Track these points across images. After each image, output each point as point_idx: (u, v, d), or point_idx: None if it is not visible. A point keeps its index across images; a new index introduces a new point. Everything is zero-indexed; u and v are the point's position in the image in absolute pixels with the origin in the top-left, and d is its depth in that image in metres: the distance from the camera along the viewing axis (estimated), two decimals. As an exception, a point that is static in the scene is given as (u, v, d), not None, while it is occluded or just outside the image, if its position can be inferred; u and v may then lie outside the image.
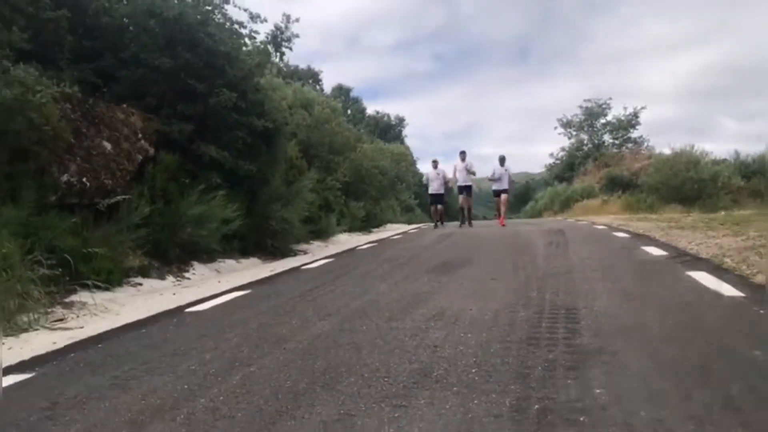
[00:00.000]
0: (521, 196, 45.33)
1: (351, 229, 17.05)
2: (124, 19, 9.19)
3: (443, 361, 3.28)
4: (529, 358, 3.28)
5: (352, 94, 41.67)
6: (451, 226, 17.76)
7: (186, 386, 3.10)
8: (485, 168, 19.06)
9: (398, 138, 42.57)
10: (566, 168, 35.96)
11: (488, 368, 3.12)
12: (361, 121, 37.72)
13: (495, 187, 17.38)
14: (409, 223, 25.28)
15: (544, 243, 9.89)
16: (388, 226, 21.81)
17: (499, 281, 6.00)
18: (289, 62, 27.91)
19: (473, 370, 3.10)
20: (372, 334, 4.00)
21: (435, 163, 17.75)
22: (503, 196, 17.31)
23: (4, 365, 3.81)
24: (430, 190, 17.62)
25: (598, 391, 2.73)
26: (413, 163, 34.84)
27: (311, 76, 34.94)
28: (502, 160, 17.25)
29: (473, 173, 17.10)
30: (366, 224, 18.71)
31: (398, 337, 3.88)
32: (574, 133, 36.66)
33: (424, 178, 18.48)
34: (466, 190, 17.18)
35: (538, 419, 2.45)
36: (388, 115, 45.65)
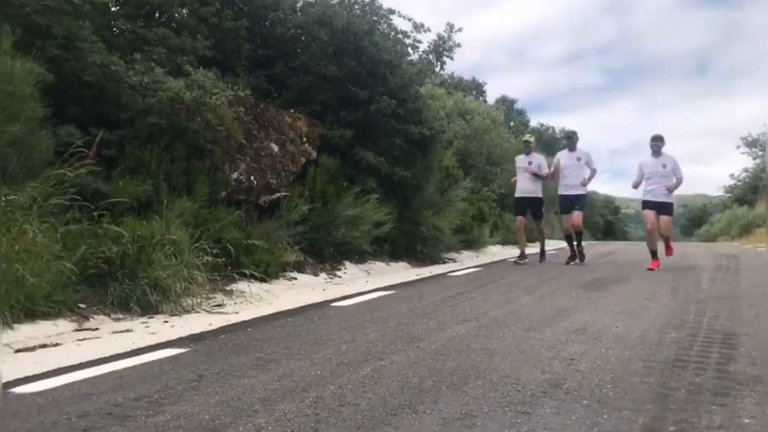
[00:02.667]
0: (695, 219, 42.22)
1: (504, 242, 16.73)
2: (297, 29, 9.73)
3: (577, 374, 3.15)
4: (673, 379, 3.06)
5: (517, 106, 41.07)
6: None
7: (319, 372, 3.22)
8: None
9: (563, 152, 41.22)
10: (749, 190, 32.98)
11: (625, 385, 2.95)
12: (523, 133, 37.10)
13: (646, 196, 9.20)
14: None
15: (713, 266, 9.18)
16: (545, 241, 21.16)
17: (654, 301, 5.64)
18: (454, 73, 28.10)
19: (608, 386, 2.95)
20: (507, 342, 3.92)
21: (527, 146, 10.56)
22: (661, 221, 9.05)
23: (165, 340, 4.21)
24: (516, 192, 10.58)
25: (746, 420, 2.49)
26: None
27: (475, 88, 34.92)
28: (656, 143, 9.11)
29: (591, 175, 10.09)
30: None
31: (534, 347, 3.77)
32: (760, 152, 33.53)
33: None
34: (576, 201, 9.94)
35: (671, 442, 2.28)
36: (553, 128, 44.39)
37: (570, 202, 9.96)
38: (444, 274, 8.51)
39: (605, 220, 42.71)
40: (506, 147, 17.48)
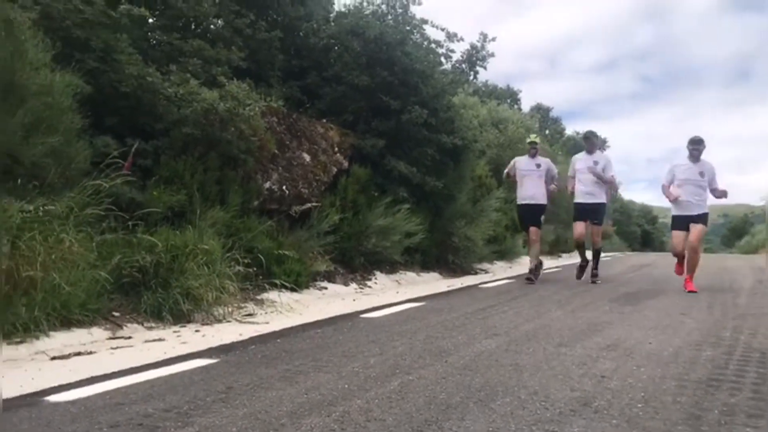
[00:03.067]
0: (736, 229, 41.32)
1: (538, 253, 16.54)
2: (330, 40, 9.80)
3: (607, 392, 3.10)
4: (706, 399, 2.99)
5: (552, 114, 40.70)
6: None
7: (346, 386, 3.22)
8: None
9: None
10: (792, 200, 32.11)
11: (656, 405, 2.89)
12: (558, 141, 36.73)
13: (677, 210, 7.88)
14: (603, 251, 24.00)
15: (753, 281, 8.96)
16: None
17: (689, 316, 5.53)
18: (488, 81, 28.00)
19: (639, 405, 2.89)
20: (537, 358, 3.88)
21: (533, 148, 9.18)
22: (692, 228, 7.64)
23: (196, 350, 4.25)
24: (518, 199, 9.41)
25: (782, 446, 2.42)
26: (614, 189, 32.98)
27: (510, 96, 34.70)
28: (695, 147, 7.74)
29: (610, 182, 8.93)
30: (555, 249, 18.07)
31: (564, 364, 3.72)
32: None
33: (510, 168, 9.45)
34: (592, 210, 8.80)
35: (704, 467, 2.22)
36: (588, 137, 43.79)
37: (585, 211, 8.78)
38: (475, 286, 8.46)
39: (642, 230, 41.98)
40: (540, 156, 17.30)
